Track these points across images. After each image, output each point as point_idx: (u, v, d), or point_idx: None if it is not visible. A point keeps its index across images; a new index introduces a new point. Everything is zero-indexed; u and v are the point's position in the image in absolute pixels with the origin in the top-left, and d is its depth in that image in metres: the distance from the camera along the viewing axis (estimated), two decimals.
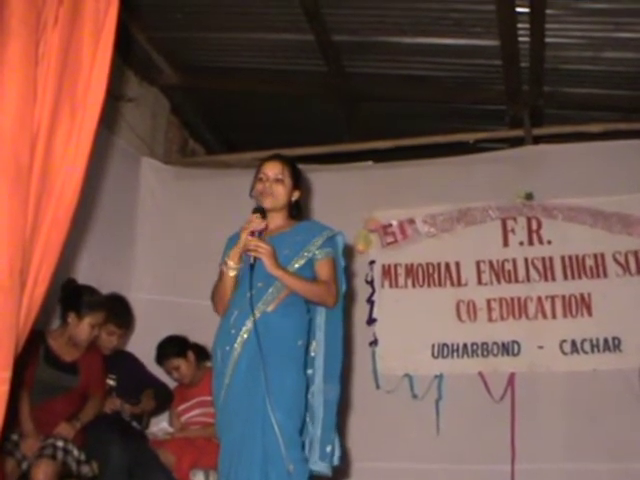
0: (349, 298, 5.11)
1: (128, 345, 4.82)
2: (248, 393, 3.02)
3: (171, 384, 4.74)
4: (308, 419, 3.19)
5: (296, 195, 3.36)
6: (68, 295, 4.05)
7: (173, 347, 4.64)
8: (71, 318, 3.99)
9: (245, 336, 3.07)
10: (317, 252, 3.21)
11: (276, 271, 3.07)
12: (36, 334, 3.35)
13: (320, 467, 3.15)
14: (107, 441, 3.94)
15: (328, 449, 3.19)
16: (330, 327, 3.29)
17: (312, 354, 3.25)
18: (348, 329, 5.03)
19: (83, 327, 3.99)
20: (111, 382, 4.36)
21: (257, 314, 3.06)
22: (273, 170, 3.29)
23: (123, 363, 4.49)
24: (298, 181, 3.38)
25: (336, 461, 3.24)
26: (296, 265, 3.18)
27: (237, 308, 3.14)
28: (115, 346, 4.42)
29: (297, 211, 3.39)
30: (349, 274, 3.44)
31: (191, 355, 4.63)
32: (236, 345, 3.07)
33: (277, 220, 3.30)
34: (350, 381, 4.96)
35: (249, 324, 3.06)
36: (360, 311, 5.14)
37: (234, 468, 2.99)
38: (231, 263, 3.19)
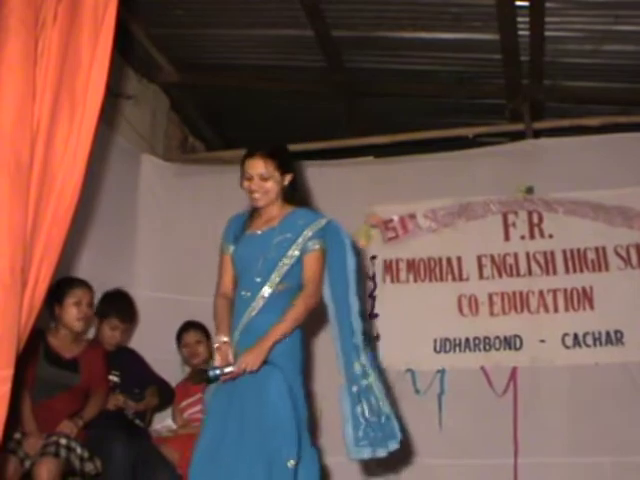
0: None
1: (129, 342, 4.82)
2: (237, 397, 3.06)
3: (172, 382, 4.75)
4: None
5: (287, 179, 3.25)
6: (50, 292, 4.05)
7: (201, 326, 4.68)
8: (57, 309, 4.00)
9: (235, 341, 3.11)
10: (306, 245, 3.16)
11: (266, 349, 3.00)
12: (36, 332, 3.35)
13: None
14: (110, 438, 3.94)
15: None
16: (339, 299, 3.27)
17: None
18: None
19: (68, 309, 4.00)
20: (115, 379, 4.36)
21: (245, 320, 3.10)
22: (256, 169, 3.19)
23: (126, 359, 4.50)
24: (286, 165, 3.26)
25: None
26: (283, 268, 3.13)
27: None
28: (119, 342, 4.43)
29: (292, 193, 3.29)
30: (358, 252, 3.36)
31: (210, 344, 4.62)
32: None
33: (271, 211, 3.26)
34: None
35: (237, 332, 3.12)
36: None
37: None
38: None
